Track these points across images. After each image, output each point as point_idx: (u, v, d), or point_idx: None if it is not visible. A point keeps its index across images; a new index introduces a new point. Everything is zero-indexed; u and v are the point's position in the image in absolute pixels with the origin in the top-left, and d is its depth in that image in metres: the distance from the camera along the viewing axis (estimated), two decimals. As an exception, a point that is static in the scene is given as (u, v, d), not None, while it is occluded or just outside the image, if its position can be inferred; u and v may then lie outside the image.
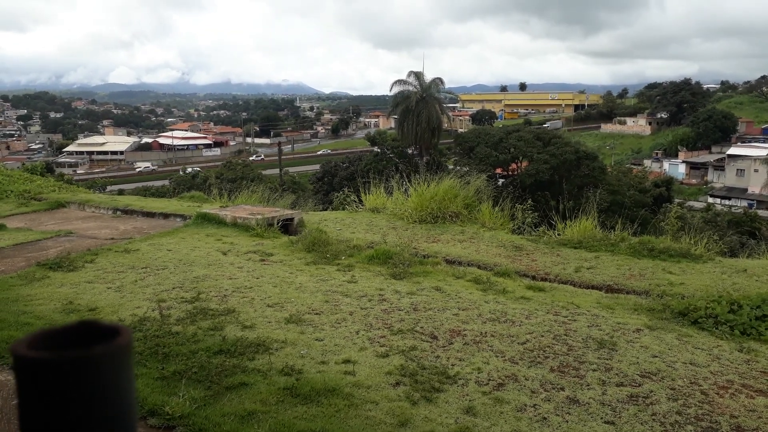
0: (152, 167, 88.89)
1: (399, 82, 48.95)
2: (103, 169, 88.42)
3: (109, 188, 45.78)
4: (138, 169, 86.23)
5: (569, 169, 35.05)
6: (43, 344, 0.32)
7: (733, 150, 72.80)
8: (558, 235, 9.81)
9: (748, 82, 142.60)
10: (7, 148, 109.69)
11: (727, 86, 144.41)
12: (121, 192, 36.93)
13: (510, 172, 39.17)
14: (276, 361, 4.78)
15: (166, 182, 52.66)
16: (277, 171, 50.93)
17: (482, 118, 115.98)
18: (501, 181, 35.38)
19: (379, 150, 44.60)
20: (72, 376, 0.30)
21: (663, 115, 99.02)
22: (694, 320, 5.91)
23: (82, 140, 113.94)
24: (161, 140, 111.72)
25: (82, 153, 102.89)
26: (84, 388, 0.30)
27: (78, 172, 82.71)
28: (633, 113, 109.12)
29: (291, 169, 62.22)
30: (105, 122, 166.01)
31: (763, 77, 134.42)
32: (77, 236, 9.73)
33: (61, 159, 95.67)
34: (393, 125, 64.31)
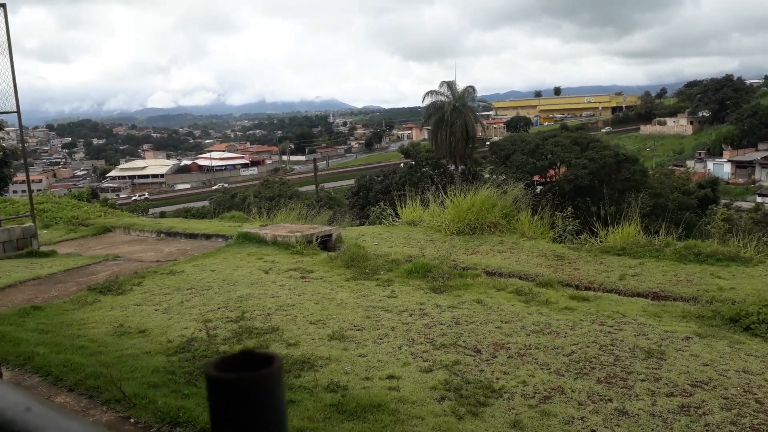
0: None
1: (431, 92, 49.02)
2: (144, 193, 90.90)
3: (151, 211, 47.06)
4: (138, 197, 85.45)
5: (609, 173, 34.43)
6: (222, 368, 0.39)
7: (780, 146, 70.30)
8: (600, 242, 9.65)
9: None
10: (54, 175, 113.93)
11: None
12: (162, 214, 37.90)
13: (548, 179, 38.70)
14: (321, 378, 4.83)
15: (206, 203, 53.84)
16: (313, 187, 51.52)
17: (517, 124, 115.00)
18: (539, 188, 34.98)
19: (413, 162, 44.66)
20: (249, 392, 0.38)
21: (705, 114, 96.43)
22: (746, 326, 5.73)
23: (123, 165, 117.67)
24: (199, 162, 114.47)
25: (124, 177, 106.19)
26: (256, 401, 0.38)
27: (120, 196, 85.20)
28: (673, 113, 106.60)
29: (327, 185, 62.88)
30: (145, 146, 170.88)
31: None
32: (124, 260, 10.04)
33: (105, 184, 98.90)
34: (426, 136, 64.34)
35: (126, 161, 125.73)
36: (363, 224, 15.98)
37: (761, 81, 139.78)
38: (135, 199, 75.45)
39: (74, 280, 8.55)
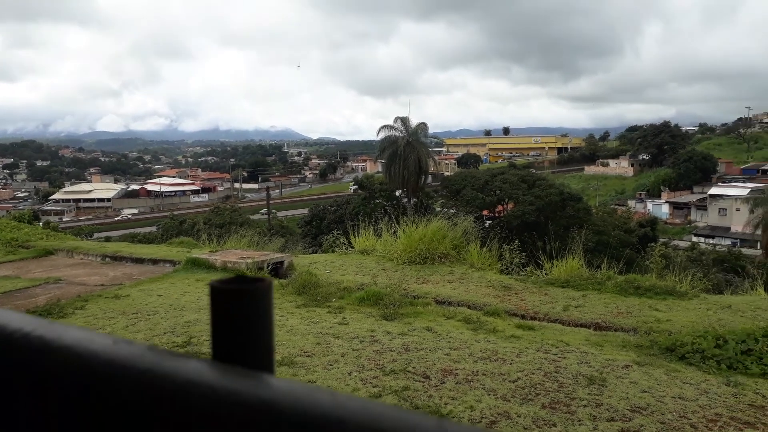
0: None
1: (386, 127, 49.84)
2: (90, 217, 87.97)
3: (96, 235, 45.51)
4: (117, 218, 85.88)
5: (555, 210, 35.53)
6: (223, 282, 0.45)
7: (714, 190, 74.23)
8: (545, 274, 9.95)
9: (725, 124, 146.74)
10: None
11: (705, 128, 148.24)
12: (108, 239, 36.70)
13: (496, 214, 39.58)
14: (269, 403, 4.78)
15: (154, 228, 52.48)
16: (265, 216, 51.02)
17: (468, 161, 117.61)
18: (488, 222, 35.72)
19: (366, 193, 44.99)
20: (244, 299, 0.43)
21: (644, 157, 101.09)
22: (682, 355, 6.00)
23: (68, 188, 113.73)
24: (149, 187, 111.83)
25: (68, 200, 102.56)
26: (251, 308, 0.43)
27: (64, 219, 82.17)
28: (615, 155, 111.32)
29: (280, 213, 62.37)
30: (92, 170, 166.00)
31: (740, 119, 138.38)
32: (66, 283, 9.70)
33: (47, 207, 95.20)
34: (380, 169, 65.01)
35: (71, 184, 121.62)
36: (316, 252, 15.94)
37: (696, 128, 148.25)
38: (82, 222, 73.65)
39: (12, 303, 8.20)
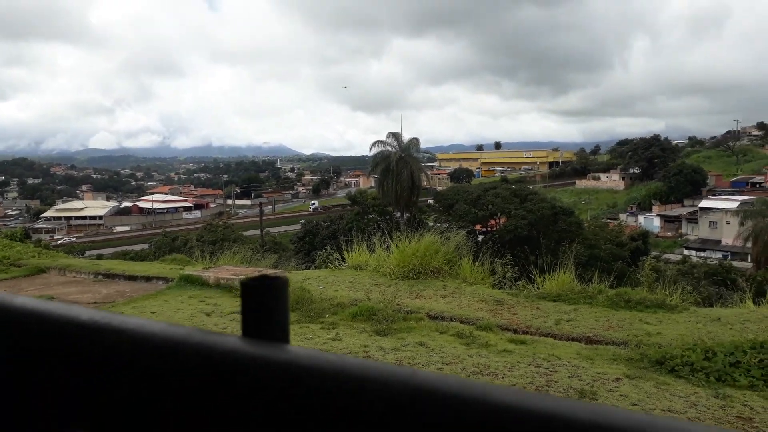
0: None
1: (378, 142, 50.11)
2: (82, 234, 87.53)
3: (87, 253, 45.26)
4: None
5: (547, 224, 35.71)
6: (249, 280, 0.58)
7: (704, 203, 74.84)
8: (537, 288, 10.01)
9: (714, 137, 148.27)
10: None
11: (694, 141, 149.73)
12: (100, 256, 36.53)
13: (489, 228, 39.74)
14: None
15: (146, 246, 52.26)
16: (258, 232, 50.94)
17: (460, 176, 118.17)
18: (480, 236, 35.85)
19: (360, 208, 45.10)
20: (266, 291, 0.56)
21: (635, 171, 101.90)
22: (671, 368, 6.07)
23: (60, 206, 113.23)
24: (141, 204, 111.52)
25: (60, 218, 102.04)
26: (271, 297, 0.56)
27: (55, 237, 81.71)
28: (606, 169, 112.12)
29: (272, 230, 62.24)
30: (84, 187, 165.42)
31: (728, 132, 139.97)
32: (59, 301, 9.68)
33: (38, 225, 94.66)
34: (373, 184, 65.21)
35: (63, 202, 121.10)
36: (309, 268, 15.96)
37: (686, 141, 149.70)
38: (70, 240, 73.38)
39: (3, 322, 8.18)
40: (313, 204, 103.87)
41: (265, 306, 0.57)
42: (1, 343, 0.63)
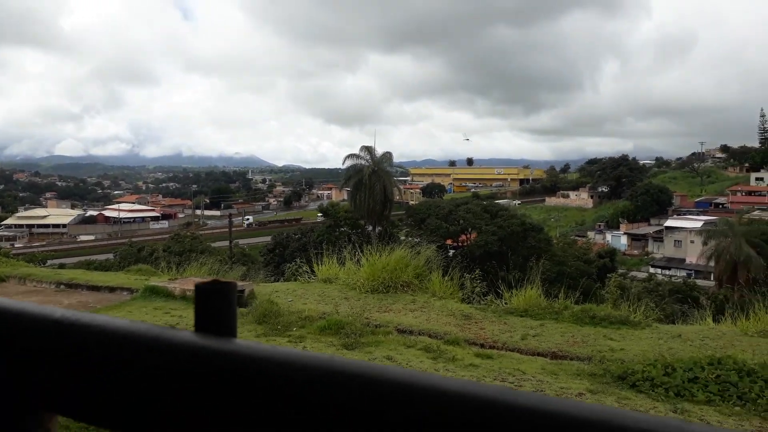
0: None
1: (351, 156, 50.23)
2: (44, 243, 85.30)
3: (49, 262, 44.08)
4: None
5: (516, 240, 36.14)
6: (201, 284, 0.67)
7: (669, 222, 76.59)
8: (505, 303, 10.11)
9: (680, 158, 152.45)
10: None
11: (661, 162, 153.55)
12: (62, 266, 35.64)
13: (460, 243, 40.02)
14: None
15: (111, 256, 51.17)
16: (227, 243, 50.37)
17: (432, 191, 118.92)
18: (452, 251, 36.06)
19: (331, 221, 45.00)
20: (216, 293, 0.65)
21: (604, 189, 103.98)
22: (632, 383, 6.18)
23: (22, 213, 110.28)
24: (107, 213, 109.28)
25: (21, 226, 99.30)
26: (220, 299, 0.65)
27: (16, 245, 79.47)
28: (575, 187, 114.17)
29: (242, 241, 61.60)
30: (48, 195, 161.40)
31: (693, 154, 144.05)
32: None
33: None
34: (346, 197, 65.19)
35: (25, 209, 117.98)
36: (278, 281, 15.82)
37: (653, 162, 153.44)
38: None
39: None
40: (248, 219, 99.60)
41: (214, 306, 0.65)
42: None
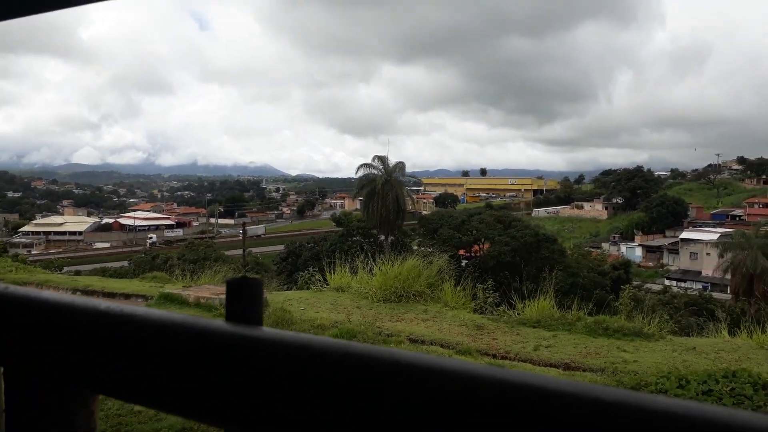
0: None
1: (364, 165, 50.41)
2: (60, 250, 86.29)
3: (66, 269, 44.58)
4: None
5: (530, 251, 35.95)
6: (231, 280, 0.74)
7: (685, 234, 75.84)
8: (517, 314, 10.09)
9: (696, 169, 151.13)
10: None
11: (676, 173, 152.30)
12: (78, 272, 36.03)
13: (473, 254, 39.89)
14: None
15: (126, 263, 51.63)
16: (240, 251, 50.63)
17: (445, 201, 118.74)
18: (465, 261, 35.96)
19: (344, 230, 45.10)
20: (244, 287, 0.71)
21: (618, 200, 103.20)
22: (646, 395, 6.14)
23: (39, 220, 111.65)
24: (122, 221, 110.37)
25: (38, 233, 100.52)
26: (248, 292, 0.72)
27: (33, 252, 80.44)
28: (589, 198, 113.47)
29: (255, 250, 61.91)
30: (65, 202, 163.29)
31: (710, 165, 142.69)
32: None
33: (16, 239, 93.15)
34: (359, 207, 65.33)
35: (43, 216, 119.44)
36: (291, 289, 15.89)
37: (668, 173, 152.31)
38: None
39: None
40: (150, 238, 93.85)
41: (243, 298, 0.71)
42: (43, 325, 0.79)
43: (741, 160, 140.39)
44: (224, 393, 0.64)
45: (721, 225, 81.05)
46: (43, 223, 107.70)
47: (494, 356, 7.90)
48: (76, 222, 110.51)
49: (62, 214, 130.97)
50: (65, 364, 0.77)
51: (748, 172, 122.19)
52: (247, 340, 0.65)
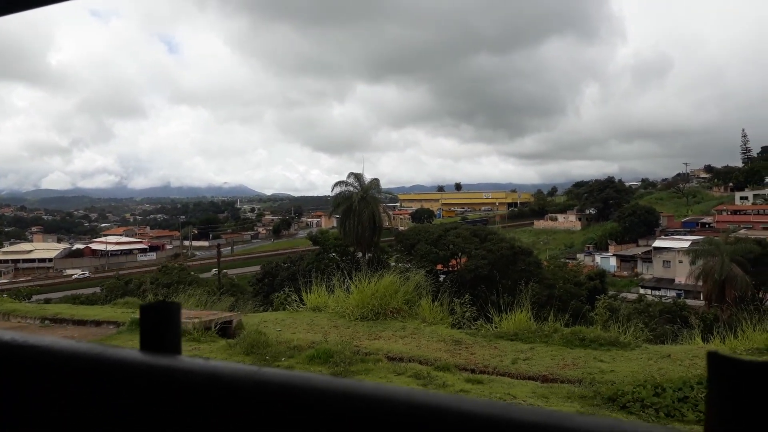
0: (85, 273, 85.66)
1: (340, 183, 50.34)
2: (29, 278, 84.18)
3: (35, 297, 43.46)
4: (74, 276, 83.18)
5: (507, 264, 36.18)
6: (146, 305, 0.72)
7: (657, 243, 77.09)
8: (495, 328, 10.08)
9: (666, 179, 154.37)
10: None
11: (647, 183, 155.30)
12: (48, 300, 35.14)
13: (450, 268, 39.99)
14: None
15: (98, 289, 50.55)
16: (215, 274, 49.96)
17: (421, 216, 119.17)
18: (442, 276, 36.01)
19: (320, 248, 44.87)
20: (163, 313, 0.70)
21: (591, 211, 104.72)
22: (623, 405, 6.16)
23: (7, 248, 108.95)
24: (94, 246, 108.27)
25: (6, 261, 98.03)
26: (164, 318, 0.70)
27: (1, 281, 78.31)
28: (563, 210, 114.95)
29: (231, 271, 61.20)
30: (34, 229, 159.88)
31: (678, 175, 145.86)
32: None
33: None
34: (335, 224, 65.13)
35: (11, 244, 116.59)
36: (267, 310, 15.69)
37: (638, 183, 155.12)
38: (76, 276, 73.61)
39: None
40: (81, 271, 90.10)
41: (159, 325, 0.69)
42: None
43: (708, 169, 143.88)
44: (136, 429, 0.61)
45: (692, 232, 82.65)
46: (11, 251, 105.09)
47: (473, 371, 7.87)
48: (45, 249, 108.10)
49: (31, 241, 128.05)
50: None
51: (716, 180, 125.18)
52: (163, 371, 0.62)
